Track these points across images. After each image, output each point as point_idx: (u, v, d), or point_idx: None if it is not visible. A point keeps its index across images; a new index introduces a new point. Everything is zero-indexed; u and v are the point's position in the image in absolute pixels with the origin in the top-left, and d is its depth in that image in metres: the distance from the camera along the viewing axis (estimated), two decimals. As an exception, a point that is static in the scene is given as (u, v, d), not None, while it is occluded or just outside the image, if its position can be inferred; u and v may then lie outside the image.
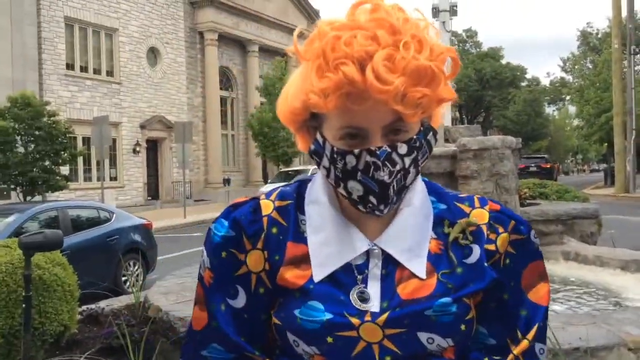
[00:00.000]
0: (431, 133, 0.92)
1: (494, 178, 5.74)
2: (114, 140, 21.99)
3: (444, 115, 6.97)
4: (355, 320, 0.90)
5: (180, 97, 27.24)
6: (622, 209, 16.05)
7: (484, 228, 0.96)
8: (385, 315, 0.89)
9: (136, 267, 8.31)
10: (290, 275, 0.94)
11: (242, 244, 0.96)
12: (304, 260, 0.94)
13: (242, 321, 0.96)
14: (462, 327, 0.91)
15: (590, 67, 41.88)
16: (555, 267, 5.50)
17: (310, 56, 0.87)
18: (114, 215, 8.48)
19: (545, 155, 38.30)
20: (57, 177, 15.85)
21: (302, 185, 1.02)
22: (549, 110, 58.75)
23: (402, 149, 0.88)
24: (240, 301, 0.96)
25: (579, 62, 45.06)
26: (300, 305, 0.92)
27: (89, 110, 22.12)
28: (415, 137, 0.89)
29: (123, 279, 7.96)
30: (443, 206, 0.99)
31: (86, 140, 20.65)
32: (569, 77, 48.26)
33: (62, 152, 15.82)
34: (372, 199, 0.89)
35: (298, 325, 0.91)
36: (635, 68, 27.33)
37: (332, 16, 0.90)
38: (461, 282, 0.92)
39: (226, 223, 0.97)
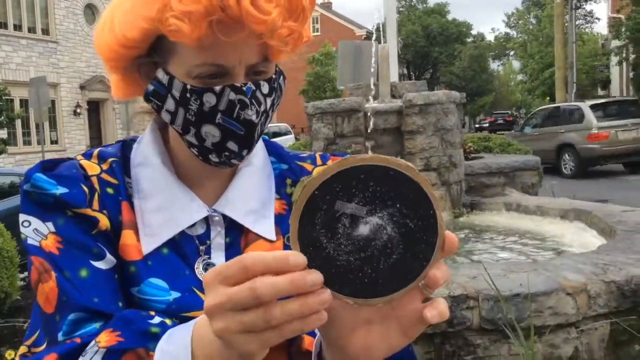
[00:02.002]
0: (282, 77, 0.84)
1: (439, 133, 5.80)
2: (53, 102, 21.18)
3: (391, 71, 6.95)
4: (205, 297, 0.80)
5: (122, 56, 26.31)
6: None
7: None
8: None
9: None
10: (131, 242, 0.80)
11: (84, 200, 0.78)
12: (136, 229, 0.80)
13: (112, 282, 0.77)
14: None
15: (534, 22, 42.57)
16: (498, 218, 5.66)
17: None
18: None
19: (509, 112, 47.13)
20: (-6, 141, 15.20)
21: (127, 146, 0.87)
22: (494, 65, 59.74)
23: (265, 88, 0.79)
24: (108, 261, 0.77)
25: (523, 17, 45.70)
26: (137, 283, 0.78)
27: (25, 71, 21.12)
28: (274, 76, 0.81)
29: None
30: (284, 166, 0.91)
31: (24, 103, 19.73)
32: (513, 33, 49.02)
33: (-2, 115, 15.14)
34: (232, 145, 0.79)
35: (136, 305, 0.77)
36: (577, 22, 27.91)
37: None
38: None
39: (52, 179, 0.78)
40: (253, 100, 0.77)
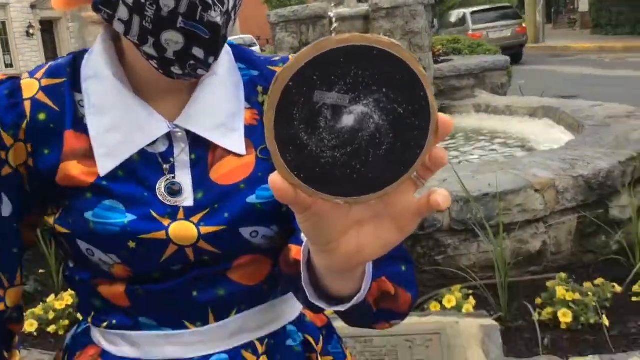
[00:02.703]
0: None
1: (407, 37, 5.67)
2: (4, 24, 20.20)
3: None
4: (165, 220, 0.75)
5: (73, -30, 24.92)
6: (532, 59, 16.58)
7: None
8: (202, 213, 0.76)
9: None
10: (77, 172, 0.75)
11: (1, 139, 0.74)
12: (89, 153, 0.75)
13: (8, 231, 0.77)
14: (284, 208, 0.78)
15: None
16: (467, 120, 5.66)
17: None
18: None
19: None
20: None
21: (78, 58, 0.80)
22: (462, -36, 58.16)
23: None
24: (5, 209, 0.76)
25: None
26: (93, 207, 0.74)
27: (-31, -8, 19.98)
28: None
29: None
30: (255, 72, 0.84)
31: (-28, 26, 18.82)
32: None
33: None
34: (197, 52, 0.71)
35: (91, 230, 0.74)
36: None
37: None
38: None
39: None
40: (216, 1, 0.69)
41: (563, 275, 2.57)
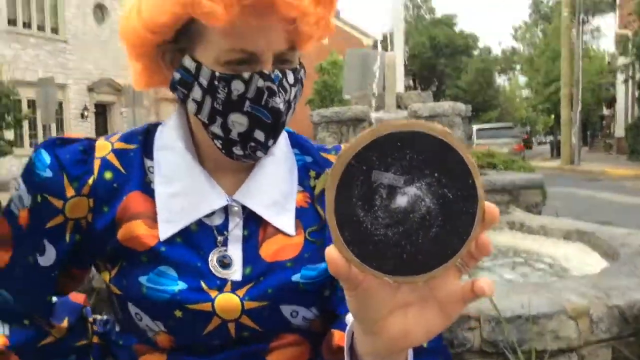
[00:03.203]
0: (303, 70, 0.83)
1: (444, 147, 5.79)
2: (61, 104, 21.16)
3: (397, 81, 6.91)
4: (212, 292, 0.77)
5: (130, 59, 26.27)
6: (567, 181, 16.51)
7: None
8: (247, 287, 0.79)
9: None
10: (142, 231, 0.78)
11: (62, 189, 0.78)
12: (154, 216, 0.79)
13: (45, 280, 0.82)
14: (327, 292, 0.80)
15: (541, 35, 42.61)
16: (501, 237, 5.62)
17: None
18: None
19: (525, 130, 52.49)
20: (1, 142, 15.18)
21: (152, 129, 0.86)
22: (500, 80, 59.78)
23: (290, 77, 0.79)
24: (47, 259, 0.80)
25: (530, 30, 45.75)
26: (148, 272, 0.77)
27: (33, 72, 21.11)
28: (298, 67, 0.81)
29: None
30: (308, 158, 0.89)
31: (31, 104, 19.71)
32: (519, 46, 49.12)
33: (6, 116, 15.13)
34: (259, 135, 0.78)
35: (143, 295, 0.77)
36: (584, 38, 27.81)
37: None
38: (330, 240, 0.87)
39: (48, 159, 0.79)
40: (280, 89, 0.76)
41: (596, 410, 2.48)
